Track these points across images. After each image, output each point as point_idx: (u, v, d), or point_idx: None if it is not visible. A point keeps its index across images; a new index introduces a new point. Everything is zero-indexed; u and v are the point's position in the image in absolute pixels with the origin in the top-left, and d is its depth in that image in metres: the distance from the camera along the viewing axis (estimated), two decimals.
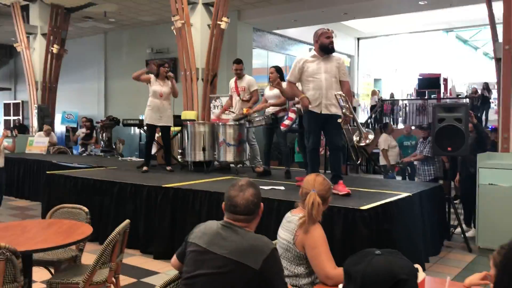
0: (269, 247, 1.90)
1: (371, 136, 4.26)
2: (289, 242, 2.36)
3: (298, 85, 4.68)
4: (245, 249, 1.87)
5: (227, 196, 2.06)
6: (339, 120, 4.29)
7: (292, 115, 5.29)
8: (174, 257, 2.14)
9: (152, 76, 6.52)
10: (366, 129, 4.33)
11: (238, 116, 6.30)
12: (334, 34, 4.55)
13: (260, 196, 2.08)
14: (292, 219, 2.42)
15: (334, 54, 4.58)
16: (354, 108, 14.45)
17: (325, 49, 4.47)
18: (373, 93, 18.84)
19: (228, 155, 6.30)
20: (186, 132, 6.63)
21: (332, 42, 4.48)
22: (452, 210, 5.76)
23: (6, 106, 20.25)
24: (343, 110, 4.24)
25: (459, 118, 5.47)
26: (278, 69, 6.08)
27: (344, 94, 4.31)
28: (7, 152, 7.04)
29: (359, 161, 10.97)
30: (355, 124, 4.44)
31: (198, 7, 8.88)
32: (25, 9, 12.01)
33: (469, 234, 5.78)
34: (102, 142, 11.69)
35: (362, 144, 4.23)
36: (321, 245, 2.27)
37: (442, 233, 5.53)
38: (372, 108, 17.99)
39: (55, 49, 11.70)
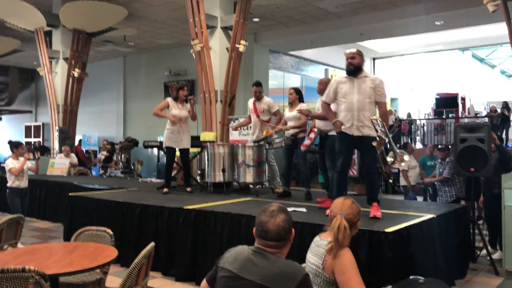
0: (301, 273, 1.89)
1: (406, 158, 4.22)
2: (318, 267, 2.34)
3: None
4: (277, 276, 1.86)
5: (258, 221, 2.05)
6: (374, 143, 4.22)
7: (312, 135, 5.28)
8: (204, 282, 2.13)
9: (170, 100, 6.60)
10: (400, 151, 4.27)
11: (258, 138, 6.33)
12: (352, 54, 4.52)
13: (292, 222, 2.07)
14: (320, 243, 2.40)
15: (370, 74, 4.58)
16: (391, 126, 14.21)
17: (346, 71, 4.51)
18: (389, 112, 18.74)
19: (248, 176, 6.31)
20: (205, 153, 6.68)
21: (350, 64, 4.47)
22: (476, 231, 5.65)
23: (27, 128, 20.68)
24: (378, 133, 4.19)
25: (481, 138, 5.41)
26: (297, 91, 6.14)
27: (378, 118, 4.27)
28: (31, 173, 7.14)
29: (391, 180, 10.92)
30: (389, 146, 4.37)
31: (217, 31, 9.04)
32: (48, 35, 12.36)
33: (495, 256, 5.65)
34: (120, 164, 11.83)
35: (396, 166, 4.19)
36: (351, 270, 2.24)
37: (467, 255, 5.41)
38: (389, 127, 17.88)
39: (76, 73, 11.97)
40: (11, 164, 6.75)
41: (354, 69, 4.46)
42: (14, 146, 6.85)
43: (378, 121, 4.18)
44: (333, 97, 4.56)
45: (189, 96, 6.56)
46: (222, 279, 1.96)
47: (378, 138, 4.17)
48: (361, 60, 4.51)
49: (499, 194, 5.22)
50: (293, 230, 2.08)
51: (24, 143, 8.18)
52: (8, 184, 6.80)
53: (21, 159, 6.79)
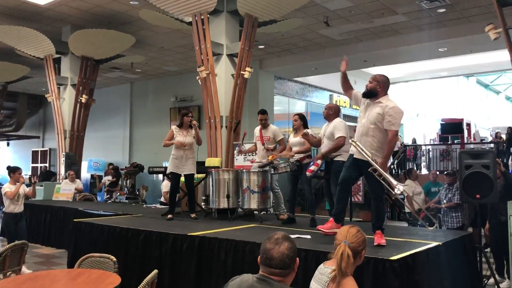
0: None
1: (400, 187, 4.15)
2: None
3: None
4: None
5: (262, 249, 2.06)
6: (369, 169, 4.22)
7: (318, 161, 5.29)
8: None
9: (174, 128, 6.66)
10: (395, 181, 4.24)
11: (264, 163, 6.35)
12: (371, 78, 4.54)
13: (296, 250, 2.07)
14: (324, 271, 2.39)
15: (388, 101, 4.43)
16: (397, 151, 13.90)
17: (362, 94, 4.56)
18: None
19: (252, 202, 6.30)
20: (210, 179, 6.69)
21: (366, 86, 4.51)
22: (484, 259, 5.58)
23: (34, 154, 20.84)
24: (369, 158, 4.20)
25: (486, 164, 5.40)
26: (301, 117, 6.18)
27: (355, 141, 4.31)
28: (38, 198, 7.21)
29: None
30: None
31: (222, 58, 9.18)
32: (57, 62, 12.58)
33: (503, 285, 5.56)
34: (126, 189, 11.86)
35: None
36: None
37: (474, 284, 5.32)
38: (394, 153, 17.83)
39: (83, 99, 12.13)
40: (7, 188, 6.87)
41: (366, 93, 4.47)
42: (12, 171, 7.00)
43: (355, 144, 4.25)
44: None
45: (192, 121, 6.60)
46: None
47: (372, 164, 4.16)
48: (376, 85, 4.44)
49: (506, 221, 5.17)
50: (297, 259, 2.07)
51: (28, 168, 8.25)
52: (3, 209, 6.93)
53: (18, 184, 6.89)
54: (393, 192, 4.14)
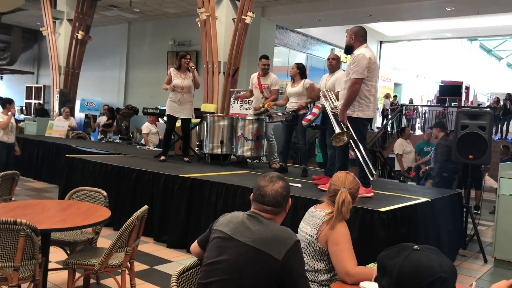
0: (292, 239, 1.89)
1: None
2: (312, 237, 2.34)
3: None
4: (268, 239, 1.86)
5: (256, 186, 2.05)
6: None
7: (315, 110, 5.22)
8: (195, 244, 2.13)
9: (172, 70, 6.53)
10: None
11: (259, 111, 6.29)
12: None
13: (289, 191, 2.07)
14: (316, 214, 2.40)
15: (356, 51, 4.32)
16: (393, 110, 13.95)
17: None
18: (387, 96, 18.57)
19: (246, 150, 6.30)
20: (205, 124, 6.64)
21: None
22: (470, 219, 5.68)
23: (28, 90, 20.58)
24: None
25: (483, 126, 5.38)
26: (299, 66, 6.04)
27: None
28: (30, 133, 7.21)
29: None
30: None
31: (224, 1, 8.89)
32: None
33: None
34: (119, 130, 11.80)
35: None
36: (344, 242, 2.25)
37: (458, 241, 5.45)
38: (383, 111, 17.80)
39: (80, 35, 11.83)
40: (0, 118, 6.93)
41: (345, 49, 4.50)
42: (7, 101, 7.04)
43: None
44: None
45: (189, 64, 6.47)
46: (215, 239, 1.97)
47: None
48: (350, 38, 4.37)
49: None
50: (290, 199, 2.07)
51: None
52: None
53: (9, 114, 7.00)
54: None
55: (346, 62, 18.77)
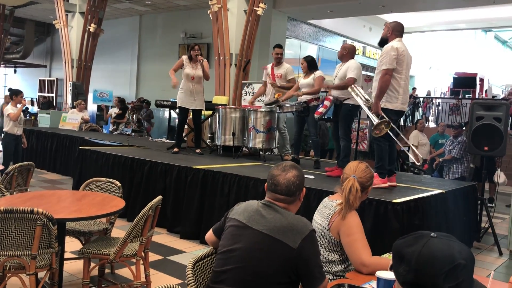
0: (308, 228, 1.88)
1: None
2: (324, 228, 2.33)
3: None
4: (284, 228, 1.86)
5: (270, 175, 2.05)
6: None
7: (327, 103, 5.20)
8: (210, 232, 2.14)
9: (185, 58, 6.53)
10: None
11: (270, 101, 6.27)
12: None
13: (303, 180, 2.06)
14: (328, 204, 2.39)
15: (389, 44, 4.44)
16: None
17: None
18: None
19: (257, 142, 6.30)
20: (217, 116, 6.64)
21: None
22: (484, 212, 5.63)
23: (41, 83, 20.75)
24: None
25: (498, 117, 5.31)
26: (307, 60, 5.99)
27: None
28: (44, 125, 7.23)
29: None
30: None
31: None
32: None
33: None
34: (132, 123, 11.86)
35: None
36: (357, 232, 2.23)
37: (472, 233, 5.40)
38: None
39: (92, 28, 11.88)
40: (10, 109, 6.94)
41: (380, 41, 4.58)
42: (14, 93, 7.01)
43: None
44: None
45: (198, 57, 6.44)
46: (230, 228, 1.97)
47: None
48: (386, 31, 4.52)
49: None
50: (304, 189, 2.06)
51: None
52: (5, 129, 7.03)
53: (19, 106, 6.98)
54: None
55: (358, 54, 18.70)
